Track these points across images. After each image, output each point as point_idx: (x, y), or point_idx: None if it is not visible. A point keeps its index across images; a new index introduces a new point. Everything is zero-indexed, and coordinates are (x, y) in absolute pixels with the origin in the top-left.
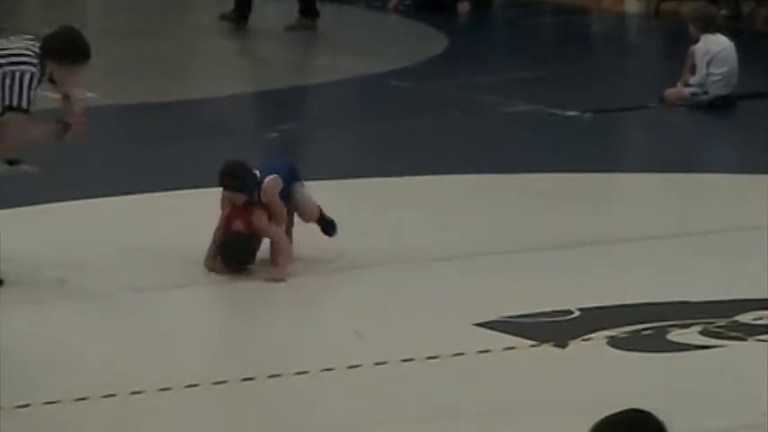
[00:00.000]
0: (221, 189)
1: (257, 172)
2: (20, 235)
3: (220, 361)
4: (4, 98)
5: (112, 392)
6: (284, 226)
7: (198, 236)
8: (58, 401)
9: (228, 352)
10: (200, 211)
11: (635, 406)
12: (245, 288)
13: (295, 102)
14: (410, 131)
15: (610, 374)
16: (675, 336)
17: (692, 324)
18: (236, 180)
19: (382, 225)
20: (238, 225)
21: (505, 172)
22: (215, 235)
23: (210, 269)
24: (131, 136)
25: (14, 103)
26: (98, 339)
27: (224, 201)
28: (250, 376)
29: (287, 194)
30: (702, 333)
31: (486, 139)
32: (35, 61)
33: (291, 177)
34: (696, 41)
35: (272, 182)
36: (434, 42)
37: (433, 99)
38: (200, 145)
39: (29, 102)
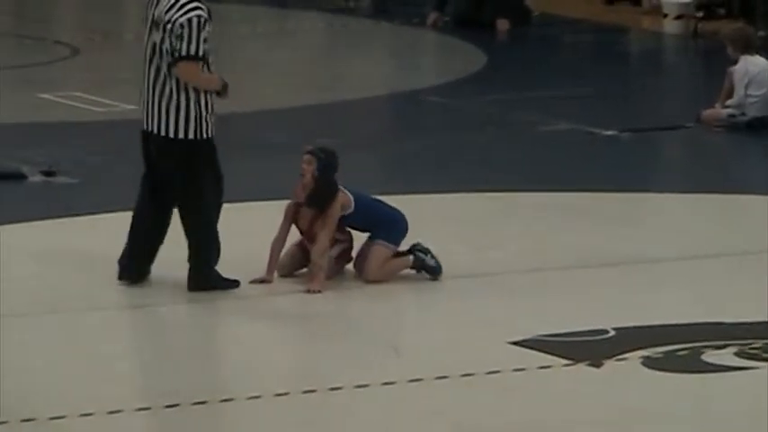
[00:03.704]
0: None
1: (346, 189)
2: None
3: (254, 375)
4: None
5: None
6: (330, 239)
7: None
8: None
9: (263, 365)
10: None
11: (668, 426)
12: (280, 300)
13: (333, 117)
14: (448, 148)
15: (644, 394)
16: (710, 356)
17: (728, 345)
18: (314, 154)
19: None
20: (306, 215)
21: (542, 190)
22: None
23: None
24: None
25: (186, 51)
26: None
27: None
28: (284, 391)
29: (351, 222)
30: (737, 354)
31: (524, 156)
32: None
33: (369, 219)
34: (735, 62)
35: (342, 195)
36: (473, 59)
37: (472, 115)
38: (245, 159)
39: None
